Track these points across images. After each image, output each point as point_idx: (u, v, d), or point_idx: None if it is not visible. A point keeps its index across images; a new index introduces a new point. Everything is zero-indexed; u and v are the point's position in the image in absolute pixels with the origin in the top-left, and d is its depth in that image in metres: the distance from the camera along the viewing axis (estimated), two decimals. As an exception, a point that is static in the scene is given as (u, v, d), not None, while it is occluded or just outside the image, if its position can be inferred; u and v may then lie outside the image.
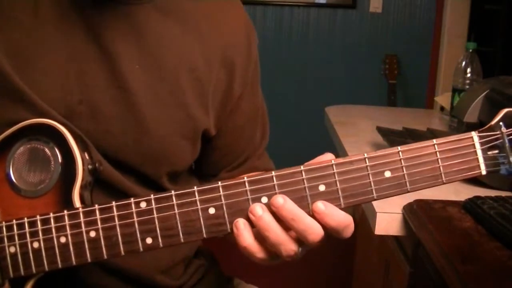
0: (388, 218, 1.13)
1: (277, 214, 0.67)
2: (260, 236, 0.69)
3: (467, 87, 1.90)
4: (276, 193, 0.68)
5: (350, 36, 3.66)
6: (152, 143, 0.86)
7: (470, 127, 1.65)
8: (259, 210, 0.68)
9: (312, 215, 0.68)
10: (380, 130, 1.54)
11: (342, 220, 0.68)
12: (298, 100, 3.68)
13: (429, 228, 0.99)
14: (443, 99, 2.19)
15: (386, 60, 3.42)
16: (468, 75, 1.93)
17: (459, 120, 1.72)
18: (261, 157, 1.03)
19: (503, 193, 1.11)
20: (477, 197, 1.07)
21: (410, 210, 1.09)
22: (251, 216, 0.68)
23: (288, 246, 0.68)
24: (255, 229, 0.69)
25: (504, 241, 0.92)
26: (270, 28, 3.64)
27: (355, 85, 3.64)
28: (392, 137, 1.47)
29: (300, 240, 0.68)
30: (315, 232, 0.67)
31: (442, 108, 2.18)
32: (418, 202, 1.09)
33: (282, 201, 0.67)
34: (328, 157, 0.71)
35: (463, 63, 1.95)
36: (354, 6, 3.62)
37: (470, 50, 1.95)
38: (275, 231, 0.67)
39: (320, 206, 0.67)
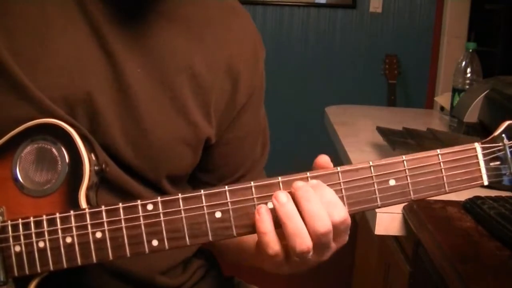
0: (388, 218, 1.13)
1: (298, 203, 0.68)
2: (278, 227, 0.69)
3: (467, 87, 1.90)
4: None
5: (350, 36, 3.66)
6: (150, 147, 0.86)
7: (470, 127, 1.66)
8: (283, 197, 0.68)
9: None
10: (380, 130, 1.55)
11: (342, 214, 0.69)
12: (298, 100, 3.68)
13: (429, 228, 1.00)
14: (443, 99, 2.20)
15: (386, 60, 3.42)
16: (468, 75, 1.94)
17: (459, 120, 1.73)
18: (260, 174, 1.03)
19: (503, 193, 1.11)
20: (477, 197, 1.08)
21: (410, 210, 1.09)
22: (274, 202, 0.68)
23: (304, 239, 0.68)
24: (274, 218, 0.69)
25: (504, 241, 0.93)
26: (270, 28, 3.65)
27: (355, 85, 3.64)
28: (392, 137, 1.47)
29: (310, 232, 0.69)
30: (323, 218, 0.68)
31: (442, 108, 2.19)
32: (418, 202, 1.09)
33: (301, 184, 0.68)
34: (323, 159, 0.71)
35: (463, 63, 1.95)
36: (354, 6, 3.63)
37: (470, 50, 1.95)
38: (296, 220, 0.68)
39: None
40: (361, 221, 1.94)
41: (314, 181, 0.70)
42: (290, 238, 0.68)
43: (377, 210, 1.12)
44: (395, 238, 1.38)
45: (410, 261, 1.23)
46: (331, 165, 0.71)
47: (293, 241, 0.68)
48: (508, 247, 0.92)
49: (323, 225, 0.68)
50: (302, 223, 0.68)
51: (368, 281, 1.81)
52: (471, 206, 1.06)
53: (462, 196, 1.11)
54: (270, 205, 0.70)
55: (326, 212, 0.68)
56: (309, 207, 0.68)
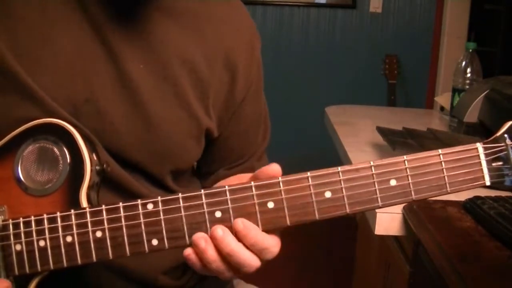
0: (388, 218, 1.13)
1: (216, 245, 0.70)
2: None
3: (467, 87, 1.90)
4: (282, 199, 0.69)
5: (350, 36, 3.66)
6: (157, 142, 0.86)
7: (470, 127, 1.65)
8: (202, 243, 0.70)
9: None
10: (380, 130, 1.55)
11: (259, 241, 0.70)
12: (298, 100, 3.68)
13: (429, 228, 1.00)
14: (443, 99, 2.19)
15: (386, 60, 3.43)
16: (468, 75, 1.93)
17: (459, 120, 1.73)
18: (260, 159, 1.04)
19: (503, 193, 1.11)
20: (477, 197, 1.08)
21: (410, 210, 1.09)
22: (195, 248, 0.70)
23: (226, 274, 0.72)
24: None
25: (504, 241, 0.93)
26: (270, 28, 3.65)
27: (355, 85, 3.64)
28: (392, 137, 1.47)
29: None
30: (250, 264, 0.71)
31: (442, 108, 2.18)
32: (418, 202, 1.09)
33: (221, 234, 0.70)
34: (273, 167, 0.71)
35: (463, 63, 1.95)
36: (354, 6, 3.63)
37: (470, 50, 1.95)
38: (218, 264, 0.71)
39: (239, 224, 0.70)
40: (361, 221, 1.95)
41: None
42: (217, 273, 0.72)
43: (377, 210, 1.12)
44: (395, 238, 1.38)
45: (410, 261, 1.23)
46: (280, 174, 0.72)
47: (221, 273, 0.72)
48: (508, 247, 0.92)
49: (251, 267, 0.71)
50: (224, 264, 0.71)
51: (368, 281, 1.81)
52: (471, 206, 1.06)
53: (462, 196, 1.11)
54: (270, 204, 0.70)
55: (252, 256, 0.71)
56: (233, 260, 0.70)
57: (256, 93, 0.99)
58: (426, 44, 3.62)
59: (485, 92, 1.65)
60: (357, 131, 1.90)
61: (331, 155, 1.70)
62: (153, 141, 0.86)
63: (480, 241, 0.95)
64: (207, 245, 0.69)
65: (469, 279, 0.82)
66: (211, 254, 0.70)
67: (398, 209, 1.12)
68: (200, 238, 0.70)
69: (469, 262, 0.88)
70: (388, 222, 1.13)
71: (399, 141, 1.45)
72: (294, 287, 2.90)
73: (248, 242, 0.70)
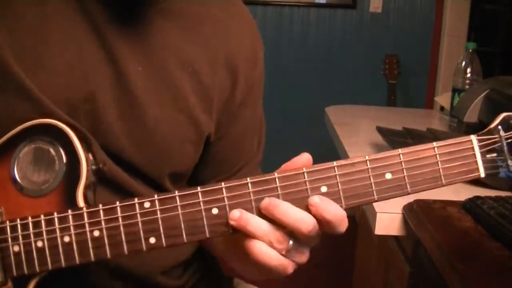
0: (388, 218, 1.13)
1: (269, 216, 0.68)
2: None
3: (467, 87, 1.91)
4: (278, 194, 0.69)
5: (350, 36, 3.67)
6: (153, 144, 0.86)
7: (470, 127, 1.66)
8: (235, 212, 0.69)
9: (308, 210, 0.68)
10: (380, 130, 1.55)
11: (338, 213, 0.68)
12: (298, 100, 3.69)
13: (429, 228, 1.00)
14: (443, 99, 2.20)
15: (386, 60, 3.43)
16: (468, 75, 1.94)
17: (459, 120, 1.73)
18: (256, 169, 1.03)
19: (503, 193, 1.11)
20: (477, 197, 1.08)
21: (410, 210, 1.09)
22: (232, 223, 0.69)
23: (276, 236, 0.69)
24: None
25: (504, 241, 0.93)
26: (270, 28, 3.65)
27: (355, 85, 3.64)
28: (392, 137, 1.48)
29: (293, 233, 0.69)
30: (306, 221, 0.68)
31: (442, 108, 2.19)
32: (418, 202, 1.09)
33: (268, 200, 0.68)
34: (305, 157, 0.71)
35: (463, 63, 1.95)
36: (354, 6, 3.63)
37: (470, 50, 1.95)
38: (258, 224, 0.68)
39: (316, 199, 0.68)
40: (361, 221, 1.95)
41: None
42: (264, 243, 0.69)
43: (377, 210, 1.12)
44: (395, 238, 1.38)
45: (410, 261, 1.23)
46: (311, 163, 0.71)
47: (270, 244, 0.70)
48: (508, 247, 0.92)
49: (308, 225, 0.68)
50: (265, 223, 0.69)
51: (368, 281, 1.81)
52: (471, 206, 1.06)
53: (462, 196, 1.12)
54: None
55: (304, 212, 0.68)
56: (286, 219, 0.68)
57: (255, 97, 0.98)
58: (426, 44, 3.62)
59: (485, 92, 1.65)
60: (357, 131, 1.90)
61: (331, 155, 1.70)
62: (149, 144, 0.86)
63: (480, 241, 0.95)
64: (242, 213, 0.69)
65: (469, 279, 0.82)
66: (256, 220, 0.68)
67: (398, 209, 1.12)
68: (234, 210, 0.69)
69: (469, 262, 0.88)
70: (388, 222, 1.13)
71: (399, 141, 1.45)
72: (294, 286, 2.89)
73: (326, 216, 0.68)
